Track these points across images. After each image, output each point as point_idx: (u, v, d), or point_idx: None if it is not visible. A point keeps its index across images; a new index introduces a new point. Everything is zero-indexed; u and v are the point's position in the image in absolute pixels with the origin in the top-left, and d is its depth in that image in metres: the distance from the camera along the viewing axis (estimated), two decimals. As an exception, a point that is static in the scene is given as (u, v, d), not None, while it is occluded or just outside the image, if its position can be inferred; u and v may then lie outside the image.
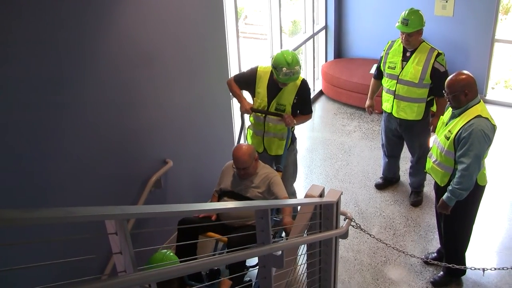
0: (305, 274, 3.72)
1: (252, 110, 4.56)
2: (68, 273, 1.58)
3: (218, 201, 4.33)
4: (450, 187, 3.87)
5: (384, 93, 5.23)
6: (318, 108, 7.92)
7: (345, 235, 3.69)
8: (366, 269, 4.66)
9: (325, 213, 3.54)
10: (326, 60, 8.36)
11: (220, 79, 5.21)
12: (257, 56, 8.46)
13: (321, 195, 3.69)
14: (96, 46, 3.62)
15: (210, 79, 5.04)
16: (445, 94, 3.89)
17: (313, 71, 8.16)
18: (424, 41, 4.93)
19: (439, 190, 4.15)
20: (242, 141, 4.70)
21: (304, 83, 4.53)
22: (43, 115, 3.28)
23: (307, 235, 3.49)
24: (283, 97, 4.47)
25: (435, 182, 4.23)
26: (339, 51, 8.42)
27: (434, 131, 4.87)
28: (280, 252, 2.65)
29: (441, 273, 4.46)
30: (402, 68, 4.93)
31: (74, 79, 3.48)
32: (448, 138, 3.87)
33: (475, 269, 3.95)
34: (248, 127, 4.78)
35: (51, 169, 3.41)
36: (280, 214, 4.20)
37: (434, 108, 5.05)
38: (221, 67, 5.23)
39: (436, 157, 4.05)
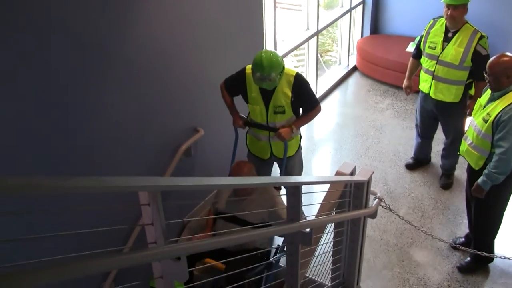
0: (331, 251, 3.71)
1: (245, 124, 4.23)
2: (87, 244, 1.57)
3: (214, 223, 4.09)
4: (486, 171, 3.79)
5: (422, 73, 5.08)
6: (351, 83, 7.81)
7: (373, 215, 3.65)
8: (392, 249, 4.62)
9: (355, 192, 3.50)
10: (362, 36, 8.20)
11: (255, 49, 5.14)
12: (293, 27, 8.31)
13: (352, 173, 3.64)
14: (134, 12, 3.58)
15: (244, 49, 4.98)
16: (485, 75, 3.78)
17: (348, 46, 8.02)
18: (467, 22, 4.75)
19: (473, 173, 4.06)
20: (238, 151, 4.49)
21: (297, 78, 4.02)
22: (81, 81, 3.27)
23: (335, 213, 3.45)
24: (278, 97, 4.01)
25: (469, 165, 4.14)
26: (376, 27, 8.25)
27: (470, 114, 4.76)
28: (308, 230, 2.63)
29: (468, 258, 4.40)
30: (443, 49, 4.77)
31: (114, 45, 3.46)
32: (486, 121, 3.77)
33: (504, 258, 3.90)
34: (247, 132, 4.41)
35: (86, 135, 3.41)
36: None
37: (472, 92, 4.91)
38: (256, 38, 5.16)
39: (472, 140, 3.96)
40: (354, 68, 8.07)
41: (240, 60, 4.91)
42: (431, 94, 4.98)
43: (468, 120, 4.36)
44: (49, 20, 2.97)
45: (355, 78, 7.93)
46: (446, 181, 5.41)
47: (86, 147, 3.45)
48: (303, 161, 4.64)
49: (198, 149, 4.60)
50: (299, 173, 4.59)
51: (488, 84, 3.80)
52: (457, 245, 4.34)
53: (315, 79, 7.18)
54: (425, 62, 4.98)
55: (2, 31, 2.72)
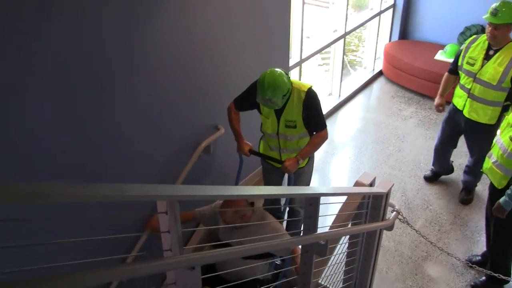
0: (344, 262, 3.66)
1: (250, 152, 4.07)
2: (93, 250, 1.54)
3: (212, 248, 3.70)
4: (509, 191, 3.69)
5: (457, 88, 4.87)
6: (376, 88, 7.72)
7: (390, 228, 3.58)
8: (405, 261, 4.55)
9: (373, 203, 3.43)
10: (390, 40, 8.10)
11: (280, 46, 5.10)
12: (319, 24, 8.23)
13: (372, 184, 3.58)
14: (161, 9, 3.55)
15: (270, 44, 4.93)
16: None
17: (375, 50, 7.93)
18: None
19: (495, 192, 3.97)
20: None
21: (309, 94, 3.80)
22: (106, 76, 3.25)
23: (351, 224, 3.40)
24: (290, 110, 3.84)
25: (491, 183, 4.05)
26: (405, 32, 8.14)
27: None
28: (323, 242, 2.58)
29: (483, 278, 4.31)
30: (482, 67, 4.54)
31: (141, 42, 3.44)
32: None
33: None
34: (261, 138, 4.28)
35: (108, 129, 3.40)
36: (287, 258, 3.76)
37: (508, 115, 4.72)
38: (282, 34, 5.10)
39: (497, 158, 3.86)
40: (380, 73, 7.98)
41: (265, 56, 4.86)
42: (465, 113, 4.76)
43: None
44: (79, 13, 2.95)
45: (380, 83, 7.84)
46: (466, 197, 5.30)
47: (108, 141, 3.44)
48: (313, 173, 4.47)
49: (217, 147, 4.57)
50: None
51: None
52: (473, 265, 4.24)
53: (339, 81, 7.11)
54: (462, 78, 4.76)
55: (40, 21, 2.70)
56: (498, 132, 4.05)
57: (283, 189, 2.27)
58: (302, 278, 2.76)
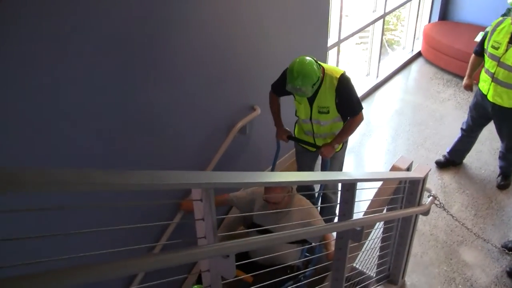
0: (379, 246, 3.68)
1: (289, 138, 4.14)
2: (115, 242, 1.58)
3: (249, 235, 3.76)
4: None
5: (482, 73, 4.81)
6: (414, 70, 7.62)
7: (427, 213, 3.60)
8: (440, 246, 4.55)
9: (409, 188, 3.45)
10: (429, 21, 7.95)
11: (318, 28, 5.09)
12: (359, 4, 8.11)
13: (408, 169, 3.59)
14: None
15: (309, 25, 4.92)
16: None
17: (414, 31, 7.80)
18: None
19: None
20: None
21: (342, 80, 3.77)
22: (147, 55, 3.31)
23: (387, 209, 3.42)
24: (323, 97, 3.82)
25: None
26: (445, 13, 7.97)
27: None
28: (359, 228, 2.61)
29: (520, 264, 4.29)
30: (506, 51, 4.45)
31: (182, 23, 3.49)
32: None
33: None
34: (296, 122, 4.29)
35: (148, 108, 3.47)
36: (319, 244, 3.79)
37: None
38: (320, 16, 5.09)
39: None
40: (419, 54, 7.86)
41: (304, 36, 4.84)
42: (489, 97, 4.70)
43: None
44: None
45: (418, 64, 7.73)
46: (503, 182, 5.23)
47: (145, 123, 3.52)
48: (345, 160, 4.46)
49: (253, 127, 4.61)
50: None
51: None
52: (509, 251, 4.22)
53: (377, 62, 7.04)
54: (486, 61, 4.70)
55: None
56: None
57: (319, 175, 2.30)
58: (336, 263, 2.81)
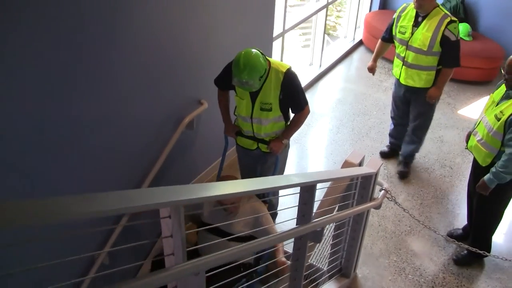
0: (331, 242, 3.67)
1: (237, 134, 4.02)
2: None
3: (198, 233, 3.76)
4: (493, 169, 3.72)
5: (395, 59, 4.97)
6: (356, 58, 7.67)
7: (378, 206, 3.60)
8: (389, 236, 4.59)
9: (362, 183, 3.43)
10: (370, 10, 8.03)
11: (265, 18, 5.00)
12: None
13: (361, 164, 3.58)
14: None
15: (255, 18, 4.83)
16: (503, 72, 3.68)
17: (356, 19, 7.85)
18: (438, 6, 4.61)
19: (478, 169, 4.00)
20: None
21: (287, 75, 3.65)
22: (87, 51, 3.12)
23: (339, 206, 3.39)
24: (267, 92, 3.67)
25: (474, 160, 4.08)
26: (385, 2, 8.07)
27: (429, 100, 4.75)
28: (320, 228, 2.57)
29: (465, 252, 4.37)
30: (412, 34, 4.64)
31: (122, 17, 3.30)
32: (498, 119, 3.68)
33: (497, 258, 3.94)
34: (235, 121, 4.11)
35: (91, 107, 3.28)
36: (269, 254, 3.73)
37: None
38: (266, 7, 5.00)
39: (482, 136, 3.87)
40: (360, 43, 7.92)
41: (250, 28, 4.75)
42: (401, 80, 4.89)
43: (478, 113, 4.23)
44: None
45: (360, 53, 7.80)
46: (403, 169, 5.33)
47: (92, 118, 3.32)
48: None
49: (201, 122, 4.50)
50: (281, 172, 4.28)
51: (505, 81, 3.70)
52: (454, 239, 4.32)
53: (320, 52, 7.03)
54: (397, 47, 4.88)
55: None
56: (483, 109, 4.06)
57: (282, 180, 2.22)
58: (295, 263, 2.75)
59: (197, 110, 4.36)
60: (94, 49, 3.16)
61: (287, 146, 4.10)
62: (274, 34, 5.53)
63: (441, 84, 4.69)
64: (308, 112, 3.89)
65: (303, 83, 6.51)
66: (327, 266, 3.82)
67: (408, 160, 5.37)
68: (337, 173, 2.84)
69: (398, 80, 4.97)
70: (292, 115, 3.94)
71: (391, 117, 5.42)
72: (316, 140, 5.94)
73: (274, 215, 4.15)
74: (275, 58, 5.72)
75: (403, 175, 5.31)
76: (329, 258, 3.80)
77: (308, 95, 6.49)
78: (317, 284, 3.70)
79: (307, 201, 2.46)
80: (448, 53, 4.54)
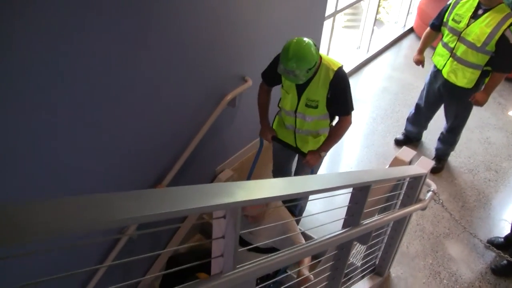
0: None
1: (273, 139, 3.76)
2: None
3: None
4: None
5: (440, 47, 4.54)
6: (405, 45, 7.40)
7: (424, 208, 3.42)
8: (427, 237, 4.41)
9: (410, 183, 3.25)
10: (425, -4, 7.71)
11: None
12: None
13: (411, 162, 3.39)
14: None
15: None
16: None
17: (409, 5, 7.55)
18: (504, 2, 4.14)
19: None
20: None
21: (338, 74, 3.35)
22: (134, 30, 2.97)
23: (385, 206, 3.22)
24: (313, 89, 3.40)
25: None
26: (442, -11, 7.73)
27: (475, 104, 4.43)
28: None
29: (505, 262, 4.18)
30: (468, 25, 4.18)
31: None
32: None
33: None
34: (277, 113, 3.87)
35: (138, 80, 3.15)
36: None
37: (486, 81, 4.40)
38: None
39: None
40: (411, 30, 7.64)
41: (302, 4, 4.53)
42: (444, 73, 4.49)
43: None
44: None
45: (410, 40, 7.51)
46: (436, 165, 5.02)
47: (139, 91, 3.20)
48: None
49: (242, 100, 4.34)
50: (315, 171, 4.00)
51: None
52: (495, 248, 4.11)
53: (370, 36, 6.79)
54: (445, 35, 4.42)
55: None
56: None
57: (338, 178, 2.05)
58: (336, 263, 2.62)
59: (241, 87, 4.20)
60: (135, 21, 3.00)
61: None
62: (326, 14, 5.31)
63: (490, 89, 4.31)
64: (350, 123, 3.58)
65: (349, 67, 6.31)
66: (361, 262, 3.68)
67: (442, 158, 5.16)
68: (393, 173, 2.66)
69: (438, 71, 4.58)
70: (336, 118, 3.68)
71: (417, 103, 5.10)
72: (356, 128, 5.72)
73: (298, 221, 3.95)
74: (324, 38, 5.51)
75: (436, 170, 5.10)
76: (364, 255, 3.66)
77: (353, 81, 6.28)
78: (349, 279, 3.56)
79: (359, 201, 2.30)
80: (503, 56, 4.09)
